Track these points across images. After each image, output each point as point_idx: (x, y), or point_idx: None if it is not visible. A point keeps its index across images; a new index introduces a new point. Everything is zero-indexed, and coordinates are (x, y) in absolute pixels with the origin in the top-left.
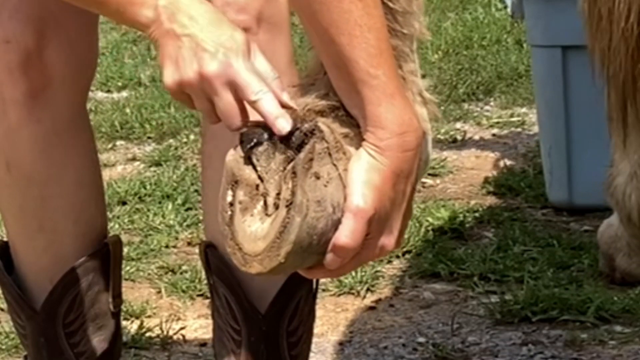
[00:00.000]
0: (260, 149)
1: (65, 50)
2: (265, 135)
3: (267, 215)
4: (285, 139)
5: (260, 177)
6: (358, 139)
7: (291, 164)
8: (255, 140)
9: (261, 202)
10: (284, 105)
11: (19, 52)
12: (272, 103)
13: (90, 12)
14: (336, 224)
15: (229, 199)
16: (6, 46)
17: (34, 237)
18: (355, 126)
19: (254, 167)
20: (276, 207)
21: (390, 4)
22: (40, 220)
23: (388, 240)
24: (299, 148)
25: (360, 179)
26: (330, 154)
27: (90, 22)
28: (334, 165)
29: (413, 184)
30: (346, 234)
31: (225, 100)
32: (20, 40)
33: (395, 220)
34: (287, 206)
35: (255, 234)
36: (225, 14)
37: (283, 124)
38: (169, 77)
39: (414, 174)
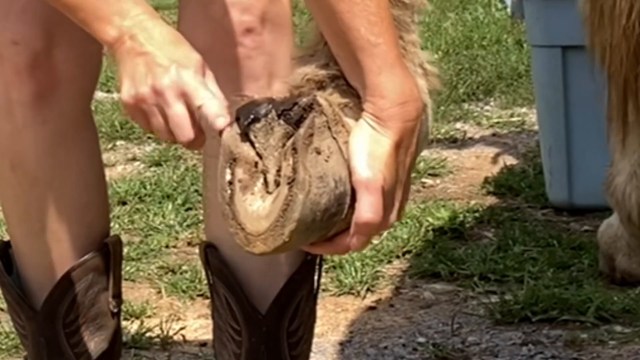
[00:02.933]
0: (258, 125)
1: (73, 51)
2: (263, 111)
3: (268, 192)
4: (284, 114)
5: (258, 154)
6: (358, 109)
7: (291, 140)
8: (252, 116)
9: (261, 180)
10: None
11: (27, 54)
12: (217, 105)
13: None
14: (339, 199)
15: (228, 177)
16: (14, 48)
17: (37, 237)
18: (355, 96)
19: (252, 144)
20: (277, 184)
21: None
22: (44, 221)
23: (391, 213)
24: (298, 123)
25: (363, 150)
26: (329, 128)
27: None
28: (334, 138)
29: (413, 155)
30: (367, 209)
31: (176, 110)
32: (29, 41)
33: (397, 191)
34: (288, 183)
35: (257, 213)
36: (229, 14)
37: (221, 122)
38: (126, 92)
39: (414, 145)
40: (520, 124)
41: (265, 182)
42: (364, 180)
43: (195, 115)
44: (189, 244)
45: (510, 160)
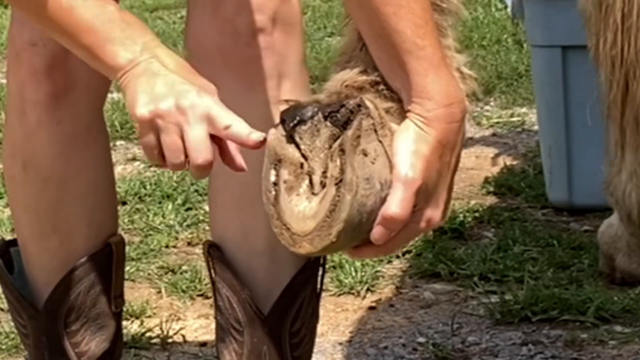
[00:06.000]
0: (304, 127)
1: None
2: (309, 113)
3: (314, 194)
4: (330, 116)
5: (304, 156)
6: (399, 114)
7: (338, 141)
8: (298, 118)
9: (306, 181)
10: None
11: (45, 55)
12: (243, 126)
13: None
14: (384, 201)
15: (273, 178)
16: (33, 49)
17: (46, 238)
18: (396, 101)
19: (297, 146)
20: (323, 185)
21: None
22: (54, 222)
23: (435, 213)
24: (345, 125)
25: (408, 149)
26: (375, 131)
27: None
28: (380, 141)
29: (457, 155)
30: (396, 204)
31: (198, 131)
32: (47, 43)
33: (441, 192)
34: (336, 184)
35: (303, 213)
36: (240, 14)
37: (257, 135)
38: (143, 106)
39: (459, 145)
40: (520, 124)
41: (311, 183)
42: (402, 177)
43: (212, 140)
44: (189, 244)
45: (510, 160)
